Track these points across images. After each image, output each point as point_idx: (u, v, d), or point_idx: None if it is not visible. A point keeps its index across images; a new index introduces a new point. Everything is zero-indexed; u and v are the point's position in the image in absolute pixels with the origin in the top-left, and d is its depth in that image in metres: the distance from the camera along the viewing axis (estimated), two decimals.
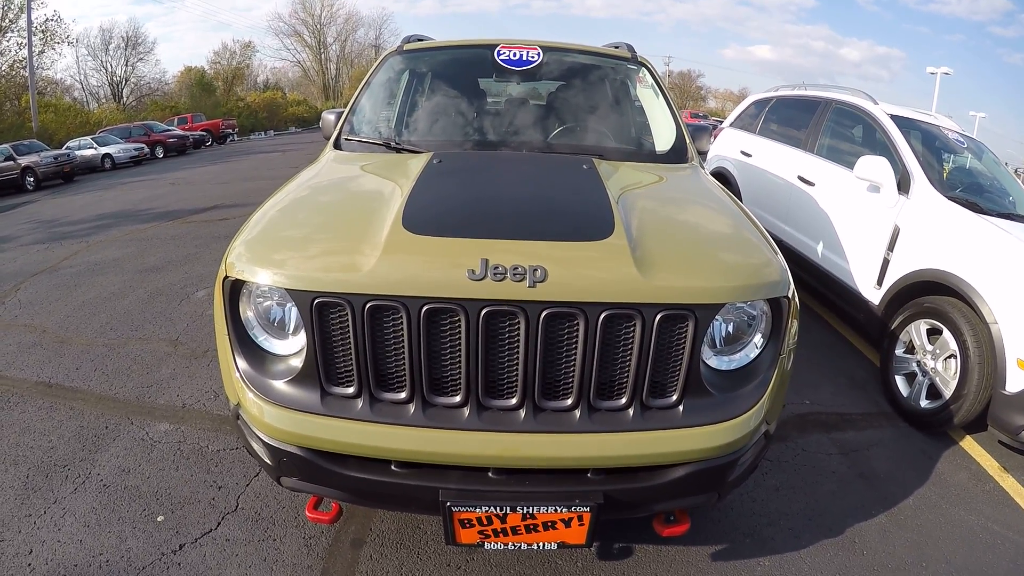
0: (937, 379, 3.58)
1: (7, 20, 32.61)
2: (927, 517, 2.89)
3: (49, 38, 35.13)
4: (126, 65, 45.90)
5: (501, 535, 1.82)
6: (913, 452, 3.43)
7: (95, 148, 21.97)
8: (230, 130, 34.53)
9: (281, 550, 2.49)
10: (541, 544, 1.84)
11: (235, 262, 1.88)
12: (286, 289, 1.77)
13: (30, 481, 2.93)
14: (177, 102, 42.46)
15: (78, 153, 21.04)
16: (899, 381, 3.88)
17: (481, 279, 1.66)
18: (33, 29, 30.88)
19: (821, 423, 3.65)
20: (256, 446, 1.91)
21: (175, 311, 5.26)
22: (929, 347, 3.68)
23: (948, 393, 3.46)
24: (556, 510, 1.76)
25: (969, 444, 3.57)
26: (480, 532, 1.81)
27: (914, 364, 3.79)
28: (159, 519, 2.66)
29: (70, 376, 4.06)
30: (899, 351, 3.89)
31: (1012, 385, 3.17)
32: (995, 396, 3.26)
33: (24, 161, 17.64)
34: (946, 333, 3.51)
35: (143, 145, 23.51)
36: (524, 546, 1.85)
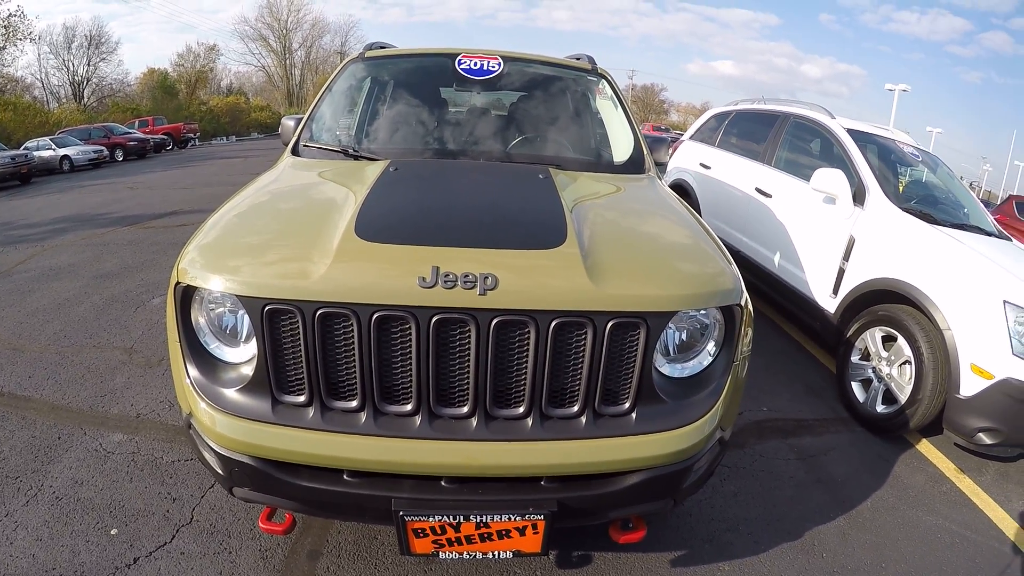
0: (892, 384, 3.67)
1: None
2: (886, 519, 2.95)
3: (11, 34, 34.37)
4: (88, 64, 44.78)
5: (455, 544, 1.80)
6: (870, 456, 3.50)
7: (54, 149, 21.38)
8: (192, 134, 33.87)
9: (237, 563, 2.44)
10: (496, 553, 1.84)
11: (187, 268, 1.85)
12: (237, 296, 1.74)
13: None
14: (139, 104, 41.56)
15: (36, 154, 20.40)
16: (855, 387, 3.96)
17: (432, 287, 1.66)
18: None
19: (778, 429, 3.70)
20: (208, 455, 1.88)
21: (130, 318, 5.15)
22: (884, 354, 3.76)
23: (903, 398, 3.55)
24: (510, 518, 1.75)
25: (925, 447, 3.66)
26: (434, 542, 1.80)
27: (870, 370, 3.88)
28: (113, 532, 2.60)
29: (22, 385, 3.94)
30: (855, 358, 3.98)
31: (966, 389, 3.26)
32: (949, 400, 3.35)
33: None
34: (900, 340, 3.59)
35: (103, 148, 22.95)
36: (480, 555, 1.84)
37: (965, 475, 3.39)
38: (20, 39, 35.44)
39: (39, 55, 42.81)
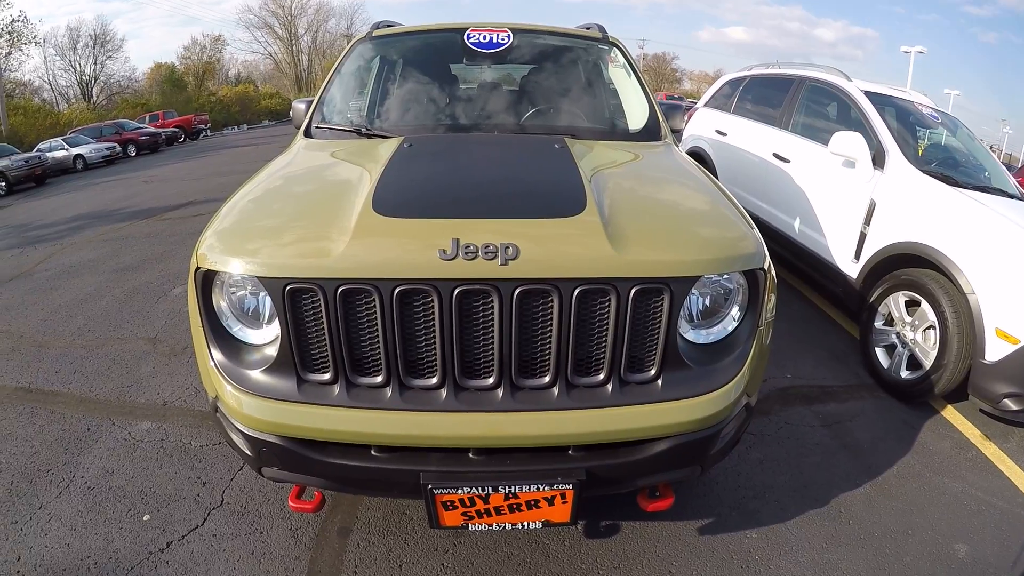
0: (917, 350, 3.62)
1: None
2: (911, 486, 2.92)
3: (16, 39, 34.65)
4: (95, 64, 45.19)
5: (485, 516, 1.81)
6: (895, 423, 3.47)
7: (66, 149, 21.56)
8: (202, 125, 34.06)
9: (268, 543, 2.48)
10: (526, 524, 1.84)
11: (207, 253, 1.86)
12: (258, 277, 1.75)
13: (14, 488, 2.88)
14: (148, 99, 41.84)
15: (49, 155, 20.62)
16: (879, 353, 3.91)
17: (453, 259, 1.65)
18: None
19: (803, 396, 3.68)
20: (235, 438, 1.90)
21: (152, 309, 5.20)
22: (908, 319, 3.72)
23: (928, 364, 3.50)
24: (539, 488, 1.76)
25: (951, 413, 3.61)
26: (463, 514, 1.81)
27: (893, 336, 3.83)
28: (145, 518, 2.64)
29: (49, 380, 4.00)
30: (878, 323, 3.93)
31: (991, 354, 3.20)
32: (975, 365, 3.30)
33: None
34: (924, 305, 3.54)
35: (115, 144, 23.12)
36: (509, 526, 1.85)
37: (991, 441, 3.34)
38: (25, 43, 35.69)
39: (45, 58, 43.22)
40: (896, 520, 2.68)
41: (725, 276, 1.88)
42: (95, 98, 43.64)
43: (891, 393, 3.76)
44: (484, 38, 3.30)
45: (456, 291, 1.66)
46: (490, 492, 1.76)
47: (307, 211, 2.04)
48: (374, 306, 1.69)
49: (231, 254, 1.80)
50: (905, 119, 4.68)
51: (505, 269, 1.65)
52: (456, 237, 1.68)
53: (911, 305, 3.72)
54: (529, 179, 2.15)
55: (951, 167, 4.29)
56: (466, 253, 1.65)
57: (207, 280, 1.87)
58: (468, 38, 3.30)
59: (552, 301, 1.69)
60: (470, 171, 2.27)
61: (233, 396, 1.83)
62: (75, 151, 21.51)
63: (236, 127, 41.52)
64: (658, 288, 1.72)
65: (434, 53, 3.59)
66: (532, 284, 1.67)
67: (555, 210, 1.86)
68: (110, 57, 46.17)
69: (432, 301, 1.68)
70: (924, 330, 3.58)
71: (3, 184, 17.05)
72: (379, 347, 1.73)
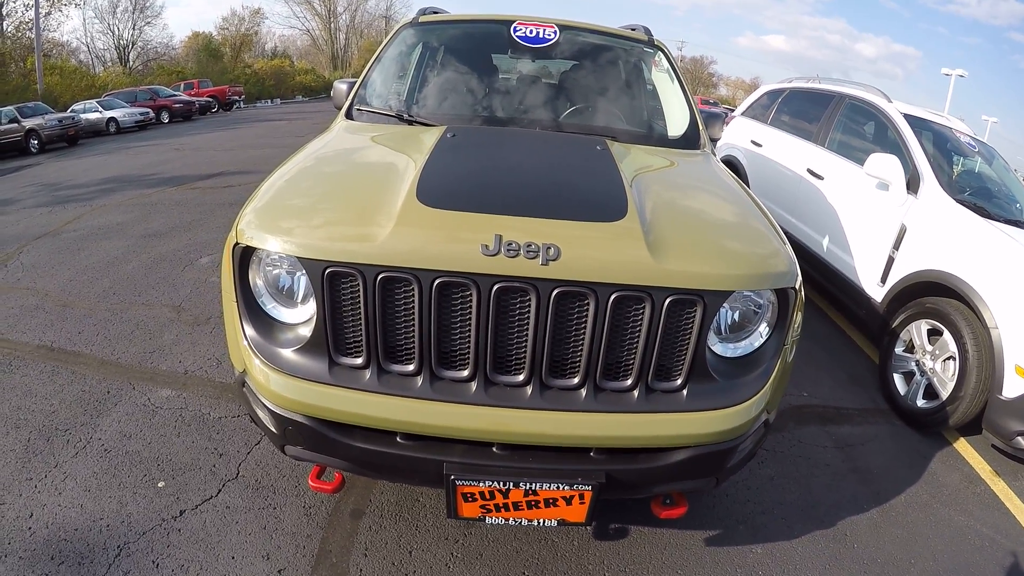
0: (935, 379, 3.60)
1: None
2: (918, 515, 2.92)
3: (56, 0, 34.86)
4: (133, 29, 45.44)
5: (503, 510, 1.84)
6: (907, 450, 3.46)
7: (100, 112, 21.80)
8: (236, 97, 34.28)
9: (281, 518, 2.52)
10: (541, 521, 1.86)
11: (246, 229, 1.88)
12: (298, 257, 1.77)
13: (31, 444, 2.94)
14: (184, 67, 42.03)
15: (83, 116, 20.89)
16: (897, 379, 3.90)
17: (495, 255, 1.66)
18: None
19: (818, 416, 3.68)
20: (261, 414, 1.92)
21: (178, 277, 5.26)
22: (929, 347, 3.70)
23: (945, 394, 3.48)
24: (558, 487, 1.78)
25: (963, 446, 3.59)
26: (482, 507, 1.83)
27: (913, 363, 3.81)
28: (160, 485, 2.69)
29: (72, 340, 4.07)
30: (899, 349, 3.91)
31: (1009, 391, 3.19)
32: (991, 400, 3.28)
33: (29, 124, 17.49)
34: (946, 334, 3.52)
35: (148, 110, 23.37)
36: (525, 522, 1.87)
37: (1000, 478, 3.32)
38: (65, 4, 36.01)
39: (84, 20, 43.78)
40: (900, 548, 2.68)
41: (757, 292, 1.90)
42: (131, 63, 43.91)
43: (906, 421, 3.74)
44: (530, 32, 3.29)
45: (495, 287, 1.68)
46: (511, 487, 1.78)
47: (350, 195, 2.06)
48: (412, 295, 1.71)
49: (271, 232, 1.82)
50: (942, 145, 4.64)
51: (545, 269, 1.66)
52: (499, 233, 1.69)
53: (933, 334, 3.70)
54: (572, 180, 2.15)
55: (985, 198, 4.25)
56: (508, 250, 1.67)
57: (245, 256, 1.89)
58: (515, 31, 3.30)
59: (588, 304, 1.70)
60: (514, 167, 2.28)
61: (262, 372, 1.85)
62: (109, 114, 21.76)
63: (269, 101, 41.60)
64: (692, 299, 1.73)
65: (479, 44, 3.59)
66: (570, 286, 1.68)
67: (597, 214, 1.87)
68: (148, 23, 46.48)
69: (471, 295, 1.70)
70: (944, 360, 3.56)
71: (36, 143, 17.32)
72: (414, 336, 1.75)
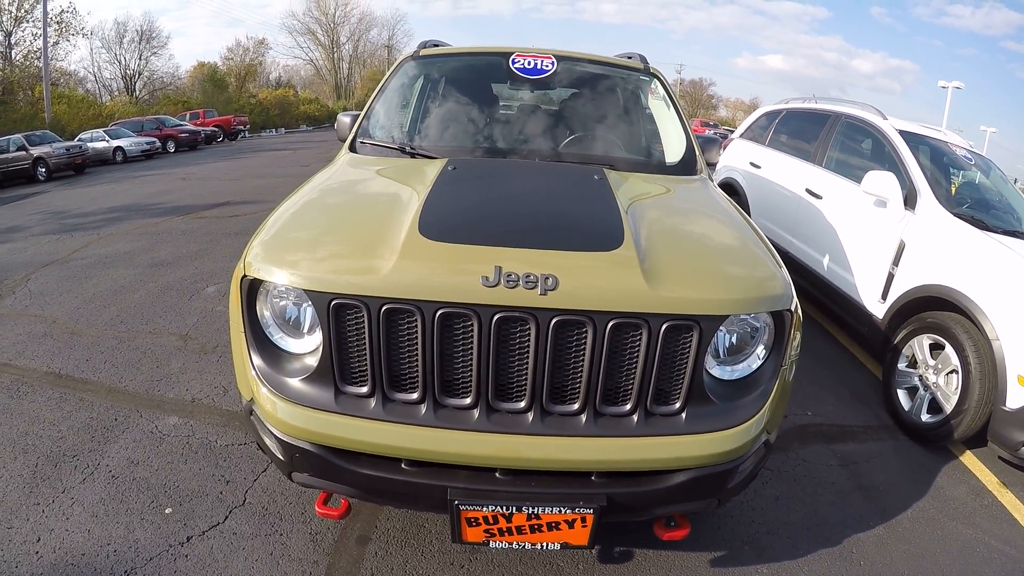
0: (938, 394, 3.61)
1: (23, 11, 32.95)
2: (925, 530, 2.91)
3: (64, 29, 35.47)
4: (139, 59, 46.11)
5: (506, 534, 1.86)
6: (913, 465, 3.46)
7: (107, 141, 22.06)
8: (241, 126, 34.66)
9: (288, 545, 2.53)
10: (545, 544, 1.88)
11: (253, 261, 1.93)
12: (304, 290, 1.81)
13: (39, 470, 2.97)
14: (189, 97, 42.57)
15: (90, 145, 21.13)
16: (901, 395, 3.90)
17: (495, 286, 1.71)
18: (48, 20, 31.10)
19: (822, 434, 3.68)
20: (269, 441, 1.95)
21: (185, 306, 5.31)
22: (931, 362, 3.71)
23: (949, 408, 3.48)
24: (560, 511, 1.80)
25: (969, 459, 3.59)
26: (486, 531, 1.85)
27: (916, 378, 3.82)
28: (167, 511, 2.70)
29: (80, 367, 4.11)
30: (902, 365, 3.92)
31: (1012, 401, 3.19)
32: (995, 412, 3.28)
33: (36, 152, 17.74)
34: (948, 348, 3.53)
35: (155, 139, 23.62)
36: (528, 546, 1.89)
37: (1007, 489, 3.32)
38: (72, 34, 36.58)
39: (91, 50, 44.40)
40: (907, 564, 2.67)
41: (752, 315, 1.93)
42: (138, 92, 44.51)
43: (910, 436, 3.74)
44: (529, 63, 3.36)
45: (496, 317, 1.72)
46: (514, 511, 1.80)
47: (354, 228, 2.11)
48: (415, 326, 1.75)
49: (277, 265, 1.87)
50: (938, 159, 4.68)
51: (544, 299, 1.70)
52: (499, 265, 1.74)
53: (935, 348, 3.71)
54: (570, 211, 2.19)
55: (983, 210, 4.28)
56: (508, 281, 1.71)
57: (252, 288, 1.94)
58: (513, 63, 3.36)
59: (586, 332, 1.74)
60: (513, 199, 2.33)
61: (270, 401, 1.89)
62: (115, 143, 22.01)
63: (274, 130, 42.07)
64: (688, 324, 1.77)
65: (478, 76, 3.66)
66: (568, 315, 1.72)
67: (594, 243, 1.91)
68: (155, 53, 47.16)
69: (472, 325, 1.74)
70: (947, 374, 3.57)
71: (43, 170, 17.52)
72: (417, 365, 1.79)
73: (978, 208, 4.28)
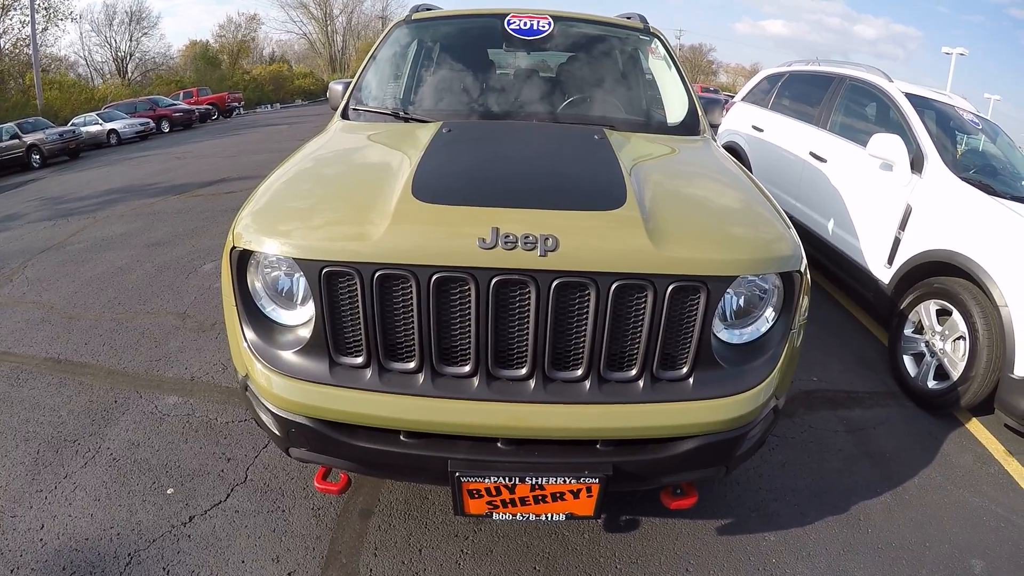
0: (945, 360, 3.57)
1: None
2: (931, 497, 2.89)
3: (52, 14, 35.00)
4: (130, 40, 45.67)
5: (509, 506, 1.82)
6: (919, 432, 3.43)
7: (100, 124, 21.86)
8: (236, 103, 34.46)
9: (290, 521, 2.51)
10: (549, 515, 1.85)
11: (243, 232, 1.87)
12: (294, 259, 1.76)
13: (41, 456, 2.95)
14: (182, 76, 42.27)
15: (83, 129, 20.96)
16: (907, 361, 3.86)
17: (492, 248, 1.65)
18: (36, 6, 30.75)
19: (828, 400, 3.65)
20: (264, 417, 1.92)
21: (183, 284, 5.28)
22: (938, 328, 3.66)
23: (956, 375, 3.44)
24: (565, 481, 1.76)
25: (975, 426, 3.56)
26: (488, 503, 1.82)
27: (922, 344, 3.78)
28: (169, 491, 2.69)
29: (79, 351, 4.08)
30: (908, 331, 3.87)
31: (1021, 369, 3.15)
32: (1003, 379, 3.24)
33: (29, 139, 17.55)
34: (955, 314, 3.48)
35: (149, 120, 23.41)
36: (532, 517, 1.86)
37: (1013, 458, 3.29)
38: (61, 19, 36.12)
39: (81, 34, 43.99)
40: (914, 531, 2.65)
41: (761, 277, 1.87)
42: (130, 74, 44.16)
43: (917, 402, 3.71)
44: (524, 24, 3.27)
45: (494, 280, 1.66)
46: (516, 482, 1.76)
47: (345, 194, 2.05)
48: (410, 292, 1.70)
49: (267, 234, 1.81)
50: (945, 123, 4.60)
51: (544, 260, 1.64)
52: (496, 226, 1.68)
53: (942, 314, 3.66)
54: (570, 170, 2.13)
55: (990, 175, 4.20)
56: (505, 243, 1.65)
57: (242, 260, 1.89)
58: (508, 24, 3.28)
59: (589, 294, 1.68)
60: (511, 159, 2.27)
61: (264, 376, 1.84)
62: (109, 126, 21.82)
63: (269, 106, 41.67)
64: (695, 286, 1.71)
65: (473, 38, 3.57)
66: (570, 277, 1.66)
67: (596, 203, 1.85)
68: (145, 34, 46.68)
69: (469, 289, 1.68)
70: (954, 340, 3.52)
71: (37, 157, 17.39)
72: (413, 333, 1.74)
73: (985, 173, 4.20)
